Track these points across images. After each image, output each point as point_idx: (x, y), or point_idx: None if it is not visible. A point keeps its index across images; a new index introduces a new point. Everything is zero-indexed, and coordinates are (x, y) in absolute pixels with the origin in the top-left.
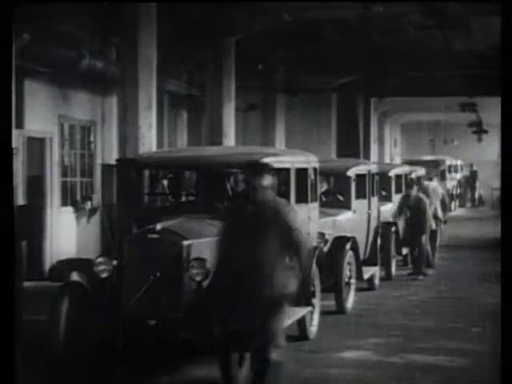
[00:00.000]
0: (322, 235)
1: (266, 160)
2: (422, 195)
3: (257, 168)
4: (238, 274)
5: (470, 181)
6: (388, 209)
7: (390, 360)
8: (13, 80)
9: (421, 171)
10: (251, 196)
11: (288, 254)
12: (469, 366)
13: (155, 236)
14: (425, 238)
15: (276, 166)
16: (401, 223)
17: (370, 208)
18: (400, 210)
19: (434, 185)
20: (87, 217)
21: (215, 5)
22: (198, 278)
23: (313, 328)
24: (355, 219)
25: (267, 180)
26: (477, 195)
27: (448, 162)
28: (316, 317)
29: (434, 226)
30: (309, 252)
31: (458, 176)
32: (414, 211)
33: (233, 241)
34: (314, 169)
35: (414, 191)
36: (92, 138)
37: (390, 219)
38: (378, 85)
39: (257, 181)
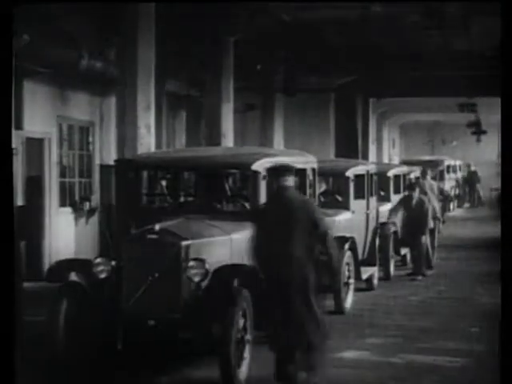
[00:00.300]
0: None
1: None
2: (424, 197)
3: (283, 169)
4: (274, 267)
5: (470, 181)
6: (387, 209)
7: (389, 360)
8: (13, 80)
9: (419, 171)
10: (281, 194)
11: (317, 243)
12: (468, 366)
13: (154, 236)
14: (424, 239)
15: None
16: (399, 223)
17: (368, 208)
18: (397, 211)
19: (429, 182)
20: (86, 217)
21: (215, 5)
22: (197, 279)
23: None
24: (354, 219)
25: (292, 180)
26: (476, 195)
27: (447, 163)
28: None
29: (431, 225)
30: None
31: (457, 176)
32: (416, 213)
33: (268, 234)
34: (313, 169)
35: (416, 193)
36: (91, 139)
37: (388, 219)
38: (377, 85)
39: (284, 181)
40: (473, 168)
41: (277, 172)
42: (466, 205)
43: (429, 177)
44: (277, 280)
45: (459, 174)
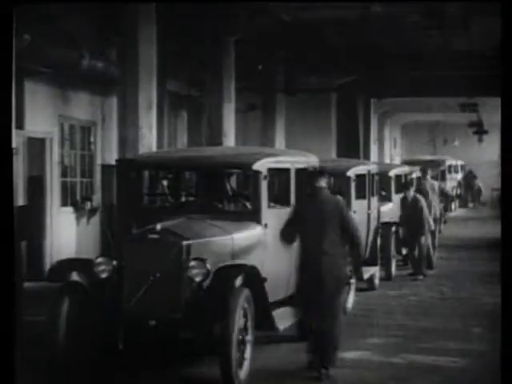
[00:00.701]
0: None
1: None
2: (418, 196)
3: (318, 172)
4: (311, 261)
5: (469, 181)
6: (388, 209)
7: (391, 360)
8: (13, 80)
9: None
10: (315, 194)
11: (345, 240)
12: (469, 366)
13: (155, 236)
14: (424, 239)
15: (276, 166)
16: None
17: (369, 208)
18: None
19: (429, 181)
20: (87, 217)
21: (215, 5)
22: (198, 278)
23: None
24: (355, 219)
25: (325, 181)
26: (474, 193)
27: (448, 163)
28: None
29: (432, 227)
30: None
31: (459, 176)
32: (411, 212)
33: (304, 232)
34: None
35: (411, 192)
36: (92, 139)
37: (390, 219)
38: (377, 85)
39: (318, 182)
40: (467, 168)
41: (311, 175)
42: (470, 205)
43: (429, 176)
44: (310, 275)
45: (461, 174)
